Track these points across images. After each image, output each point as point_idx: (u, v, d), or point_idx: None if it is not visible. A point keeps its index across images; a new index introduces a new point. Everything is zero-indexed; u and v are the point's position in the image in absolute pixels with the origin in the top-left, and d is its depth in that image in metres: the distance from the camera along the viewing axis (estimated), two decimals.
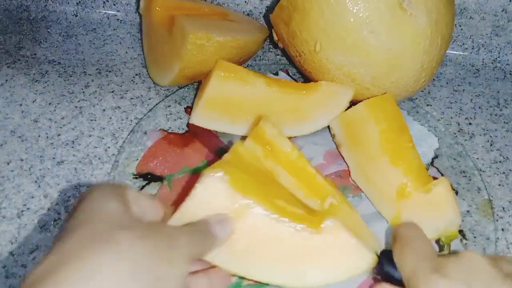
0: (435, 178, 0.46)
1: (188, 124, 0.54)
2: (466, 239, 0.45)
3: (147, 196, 0.34)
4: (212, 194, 0.35)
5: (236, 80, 0.51)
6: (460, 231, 0.46)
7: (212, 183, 0.35)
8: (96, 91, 0.59)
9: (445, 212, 0.43)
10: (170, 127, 0.54)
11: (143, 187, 0.48)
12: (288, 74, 0.62)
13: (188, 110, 0.56)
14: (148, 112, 0.54)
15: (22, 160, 0.51)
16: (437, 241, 0.44)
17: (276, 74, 0.62)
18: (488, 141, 0.56)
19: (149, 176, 0.49)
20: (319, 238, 0.37)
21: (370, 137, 0.48)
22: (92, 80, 0.60)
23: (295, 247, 0.37)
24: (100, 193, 0.30)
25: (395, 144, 0.47)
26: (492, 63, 0.68)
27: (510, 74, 0.66)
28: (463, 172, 0.51)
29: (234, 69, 0.52)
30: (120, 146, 0.51)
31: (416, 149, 0.48)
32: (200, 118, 0.52)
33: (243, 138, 0.49)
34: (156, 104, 0.56)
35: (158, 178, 0.48)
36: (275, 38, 0.58)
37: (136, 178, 0.48)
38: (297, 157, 0.46)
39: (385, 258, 0.36)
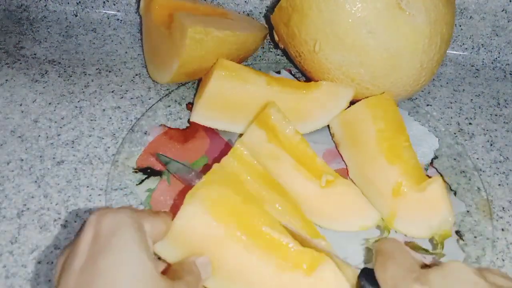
0: None
1: (189, 121, 0.54)
2: (463, 240, 0.45)
3: (155, 217, 0.34)
4: (194, 223, 0.35)
5: (237, 79, 0.51)
6: (458, 232, 0.46)
7: (193, 212, 0.35)
8: (96, 91, 0.59)
9: (438, 211, 0.43)
10: (170, 127, 0.54)
11: (142, 181, 0.48)
12: (291, 73, 0.62)
13: (190, 106, 0.56)
14: (148, 109, 0.54)
15: (22, 160, 0.51)
16: (431, 240, 0.45)
17: (279, 72, 0.61)
18: (488, 141, 0.56)
19: (148, 171, 0.49)
20: (306, 281, 0.36)
21: (367, 136, 0.48)
22: (92, 80, 0.60)
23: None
24: (123, 247, 0.30)
25: (392, 143, 0.47)
26: (492, 63, 0.67)
27: (510, 74, 0.66)
28: (463, 172, 0.51)
29: (234, 68, 0.52)
30: (120, 145, 0.51)
31: (412, 148, 0.48)
32: (200, 116, 0.52)
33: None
34: (156, 102, 0.56)
35: (158, 173, 0.49)
36: (276, 38, 0.58)
37: (136, 172, 0.48)
38: (299, 140, 0.47)
39: (364, 276, 0.35)
